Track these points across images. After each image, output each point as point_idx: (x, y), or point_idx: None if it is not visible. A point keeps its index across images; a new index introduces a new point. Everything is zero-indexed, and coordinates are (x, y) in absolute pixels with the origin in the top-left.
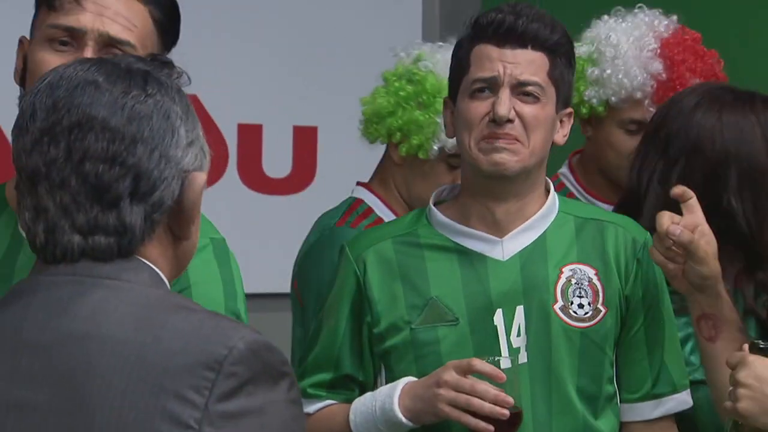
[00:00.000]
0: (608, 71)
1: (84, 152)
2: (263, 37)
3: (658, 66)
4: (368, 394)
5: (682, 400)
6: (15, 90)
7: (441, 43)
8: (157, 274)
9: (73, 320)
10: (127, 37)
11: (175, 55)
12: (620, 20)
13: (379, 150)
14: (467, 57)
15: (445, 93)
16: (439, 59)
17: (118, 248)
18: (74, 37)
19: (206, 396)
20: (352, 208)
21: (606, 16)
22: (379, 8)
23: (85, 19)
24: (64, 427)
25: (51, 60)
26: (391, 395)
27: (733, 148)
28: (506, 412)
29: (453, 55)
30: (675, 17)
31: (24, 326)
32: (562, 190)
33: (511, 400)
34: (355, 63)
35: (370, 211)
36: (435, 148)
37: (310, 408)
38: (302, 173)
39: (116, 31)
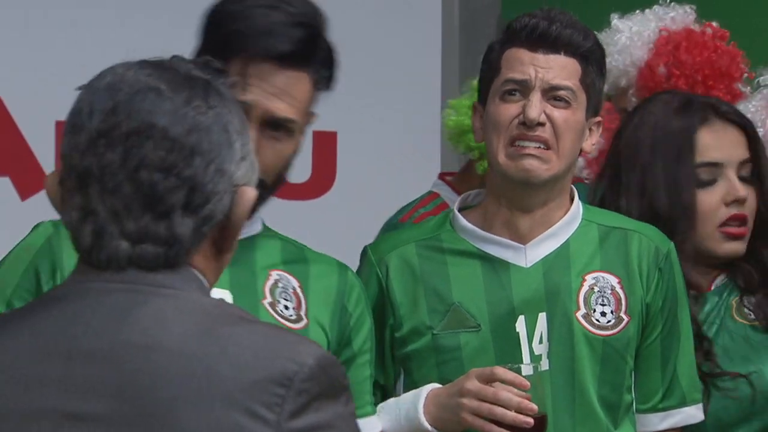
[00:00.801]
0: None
1: (140, 160)
2: None
3: (640, 54)
4: (391, 401)
5: (691, 414)
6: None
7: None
8: (205, 284)
9: (132, 329)
10: (290, 115)
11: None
12: (636, 14)
13: (400, 149)
14: (498, 60)
15: None
16: None
17: (165, 258)
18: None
19: (278, 413)
20: (424, 202)
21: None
22: (398, 14)
23: (252, 99)
24: None
25: None
26: (416, 403)
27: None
28: (530, 420)
29: (483, 60)
30: (690, 8)
31: (77, 333)
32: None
33: (534, 407)
34: (374, 68)
35: (444, 206)
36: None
37: None
38: (322, 178)
39: (281, 111)
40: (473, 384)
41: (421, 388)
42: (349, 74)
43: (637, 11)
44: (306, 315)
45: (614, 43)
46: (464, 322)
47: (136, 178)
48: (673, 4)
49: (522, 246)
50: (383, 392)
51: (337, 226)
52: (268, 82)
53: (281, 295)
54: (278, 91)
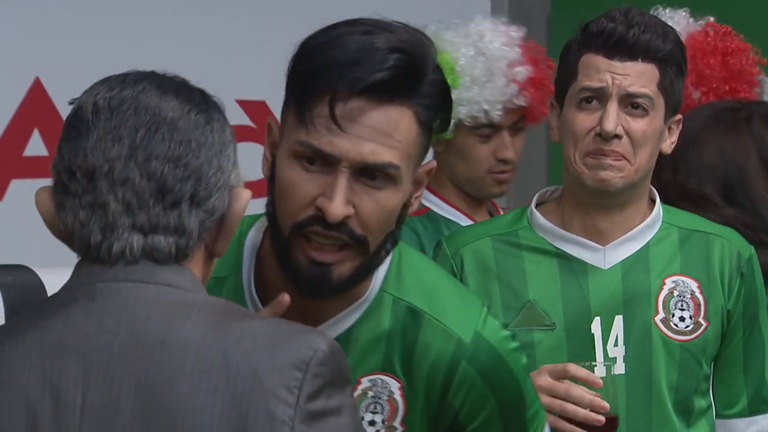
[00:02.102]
0: None
1: (150, 151)
2: None
3: None
4: None
5: None
6: None
7: (454, 21)
8: (199, 282)
9: (146, 324)
10: (389, 159)
11: (242, 61)
12: None
13: None
14: (575, 63)
15: (451, 71)
16: (441, 38)
17: (176, 248)
18: (326, 160)
19: (296, 395)
20: None
21: None
22: (446, 11)
23: (340, 144)
24: (154, 429)
25: (300, 182)
26: None
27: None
28: (601, 417)
29: (561, 57)
30: (685, 12)
31: (90, 332)
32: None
33: (606, 405)
34: None
35: (425, 209)
36: (454, 121)
37: None
38: None
39: (376, 155)
40: (545, 380)
41: None
42: None
43: None
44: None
45: None
46: (539, 320)
47: (147, 169)
48: (667, 11)
49: (601, 247)
50: None
51: None
52: (358, 122)
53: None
54: (371, 132)
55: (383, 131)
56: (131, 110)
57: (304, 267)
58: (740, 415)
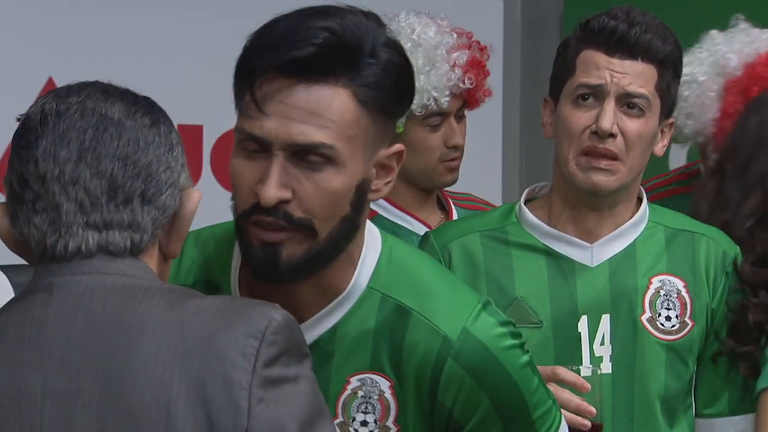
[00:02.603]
0: (676, 114)
1: (100, 150)
2: None
3: (711, 114)
4: None
5: None
6: None
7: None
8: (156, 276)
9: (102, 310)
10: (320, 139)
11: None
12: (701, 52)
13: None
14: (573, 59)
15: None
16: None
17: (131, 244)
18: (262, 146)
19: (252, 361)
20: None
21: (714, 31)
22: (459, 14)
23: (269, 126)
24: (114, 406)
25: (242, 171)
26: None
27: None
28: (587, 422)
29: (558, 53)
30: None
31: (47, 322)
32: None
33: (593, 410)
34: None
35: (372, 213)
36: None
37: None
38: None
39: (306, 135)
40: None
41: None
42: None
43: (702, 45)
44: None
45: (685, 99)
46: (526, 318)
47: (97, 168)
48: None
49: (589, 245)
50: None
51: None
52: (285, 103)
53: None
54: (300, 112)
55: (313, 111)
56: (78, 114)
57: (255, 249)
58: (720, 414)
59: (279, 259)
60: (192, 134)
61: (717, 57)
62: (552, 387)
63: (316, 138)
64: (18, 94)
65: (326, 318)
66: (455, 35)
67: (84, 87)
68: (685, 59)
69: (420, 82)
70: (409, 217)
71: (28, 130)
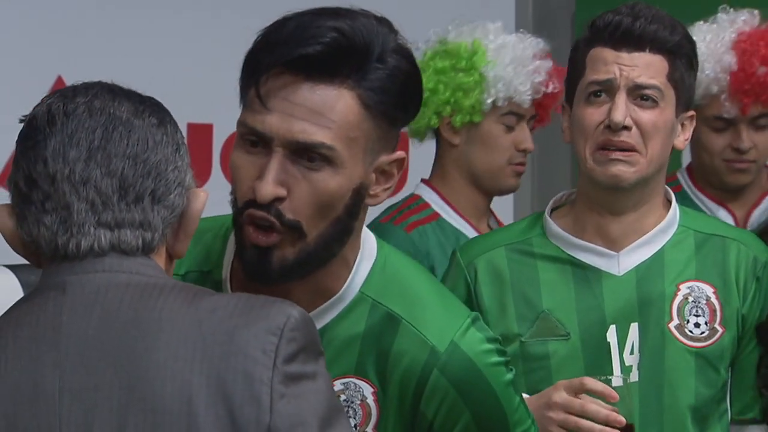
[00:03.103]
0: None
1: (110, 150)
2: None
3: (729, 59)
4: None
5: None
6: None
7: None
8: (167, 274)
9: (118, 308)
10: (320, 139)
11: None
12: (708, 22)
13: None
14: (583, 60)
15: (480, 55)
16: (464, 30)
17: (142, 243)
18: (264, 141)
19: (273, 357)
20: (406, 203)
21: (701, 22)
22: (470, 11)
23: (271, 121)
24: (135, 401)
25: (243, 164)
26: None
27: None
28: None
29: (570, 58)
30: (756, 12)
31: (62, 320)
32: (680, 191)
33: (623, 419)
34: None
35: (425, 206)
36: (488, 102)
37: None
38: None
39: (307, 134)
40: (560, 396)
41: None
42: None
43: (702, 21)
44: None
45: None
46: (553, 330)
47: (108, 167)
48: (736, 9)
49: (615, 253)
50: None
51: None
52: (289, 100)
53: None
54: (303, 111)
55: (316, 110)
56: (86, 114)
57: (248, 250)
58: (754, 421)
59: (270, 261)
60: (202, 133)
61: (727, 21)
62: (581, 398)
63: (316, 137)
64: (27, 93)
65: (316, 319)
66: (540, 42)
67: (90, 87)
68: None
69: (508, 73)
70: (468, 226)
71: (35, 130)
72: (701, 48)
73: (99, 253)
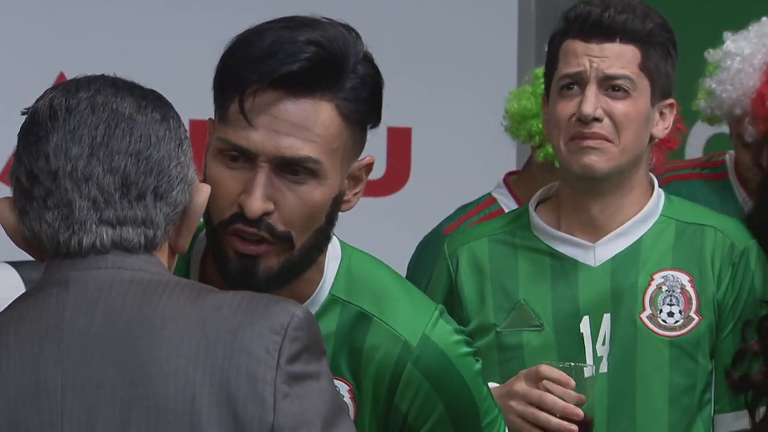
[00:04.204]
0: (714, 84)
1: (112, 146)
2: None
3: (752, 83)
4: None
5: None
6: None
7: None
8: (169, 271)
9: (122, 304)
10: (307, 153)
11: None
12: (748, 32)
13: (475, 146)
14: (556, 53)
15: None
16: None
17: (145, 240)
18: (247, 156)
19: (276, 357)
20: (478, 208)
21: (751, 25)
22: (474, 8)
23: (256, 138)
24: (138, 398)
25: (224, 179)
26: None
27: None
28: (574, 427)
29: (546, 51)
30: None
31: (65, 317)
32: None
33: (580, 412)
34: (450, 63)
35: (500, 212)
36: None
37: None
38: (396, 174)
39: (293, 149)
40: (521, 386)
41: None
42: (423, 69)
43: (750, 27)
44: None
45: (726, 69)
46: (528, 321)
47: (110, 164)
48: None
49: (591, 244)
50: None
51: (413, 222)
52: (274, 116)
53: None
54: (288, 126)
55: (301, 125)
56: (88, 109)
57: (232, 260)
58: (729, 409)
59: (257, 270)
60: (205, 129)
61: (763, 36)
62: (539, 390)
63: (303, 152)
64: (29, 88)
65: None
66: None
67: (92, 81)
68: (733, 37)
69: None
70: None
71: (37, 125)
72: (735, 60)
73: (101, 251)
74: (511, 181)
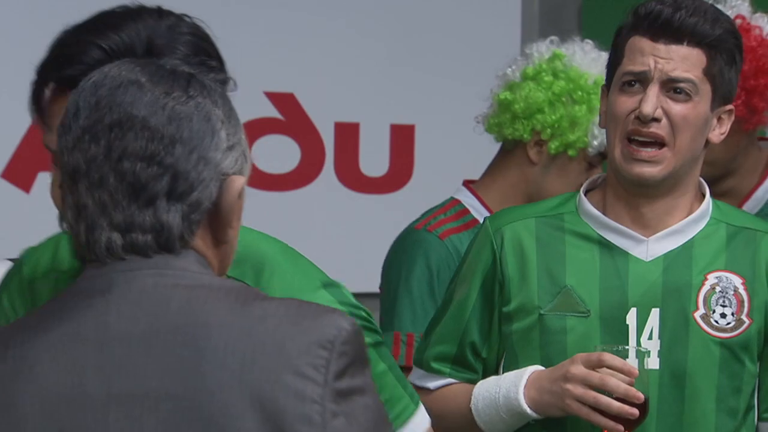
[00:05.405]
0: None
1: (123, 150)
2: (359, 35)
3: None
4: (492, 379)
5: None
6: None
7: (574, 39)
8: (210, 269)
9: (167, 310)
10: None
11: (271, 53)
12: None
13: (478, 144)
14: (622, 47)
15: (595, 89)
16: (591, 59)
17: (156, 245)
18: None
19: (324, 373)
20: (444, 208)
21: None
22: (477, 5)
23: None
24: (184, 411)
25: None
26: (517, 384)
27: None
28: (635, 411)
29: (612, 43)
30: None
31: (109, 320)
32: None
33: (641, 396)
34: (452, 61)
35: (464, 212)
36: (595, 143)
37: (431, 384)
38: (399, 172)
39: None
40: (579, 369)
41: (523, 369)
42: (426, 67)
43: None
44: None
45: None
46: (574, 306)
47: (120, 169)
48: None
49: (645, 239)
50: (485, 366)
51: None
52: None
53: None
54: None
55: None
56: (106, 108)
57: None
58: None
59: None
60: None
61: None
62: (599, 373)
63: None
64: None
65: None
66: None
67: (118, 76)
68: None
69: None
70: None
71: (65, 117)
72: None
73: (117, 256)
74: (475, 186)
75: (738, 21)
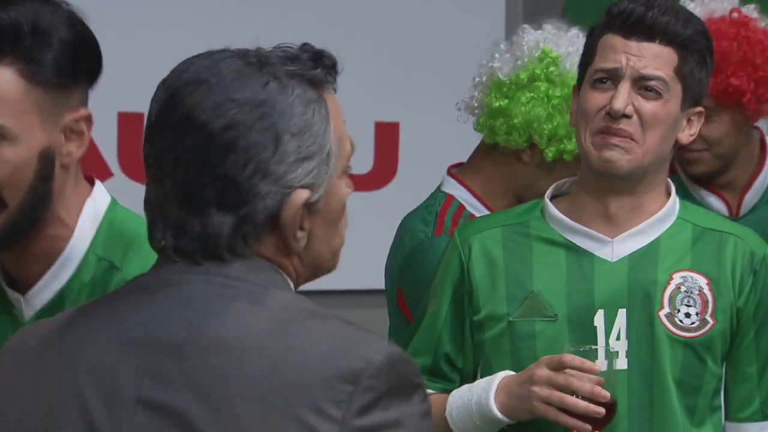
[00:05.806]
0: None
1: (180, 152)
2: (343, 33)
3: None
4: (465, 387)
5: None
6: None
7: (561, 27)
8: (281, 279)
9: (208, 322)
10: (2, 121)
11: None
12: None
13: (462, 141)
14: (594, 46)
15: None
16: (571, 54)
17: (204, 252)
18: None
19: (344, 410)
20: (445, 206)
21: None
22: (462, 3)
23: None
24: (209, 427)
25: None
26: (488, 390)
27: None
28: (602, 410)
29: (585, 42)
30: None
31: (153, 321)
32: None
33: (607, 394)
34: (436, 58)
35: (462, 209)
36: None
37: None
38: (384, 169)
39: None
40: (543, 371)
41: (494, 375)
42: (410, 65)
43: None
44: None
45: None
46: (541, 311)
47: (175, 170)
48: None
49: (610, 239)
50: (462, 379)
51: (400, 217)
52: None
53: None
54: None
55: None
56: (173, 106)
57: None
58: (752, 419)
59: None
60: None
61: None
62: (563, 375)
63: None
64: None
65: (51, 282)
66: None
67: (195, 71)
68: None
69: None
70: None
71: (150, 105)
72: None
73: (190, 257)
74: (458, 174)
75: (734, 15)
